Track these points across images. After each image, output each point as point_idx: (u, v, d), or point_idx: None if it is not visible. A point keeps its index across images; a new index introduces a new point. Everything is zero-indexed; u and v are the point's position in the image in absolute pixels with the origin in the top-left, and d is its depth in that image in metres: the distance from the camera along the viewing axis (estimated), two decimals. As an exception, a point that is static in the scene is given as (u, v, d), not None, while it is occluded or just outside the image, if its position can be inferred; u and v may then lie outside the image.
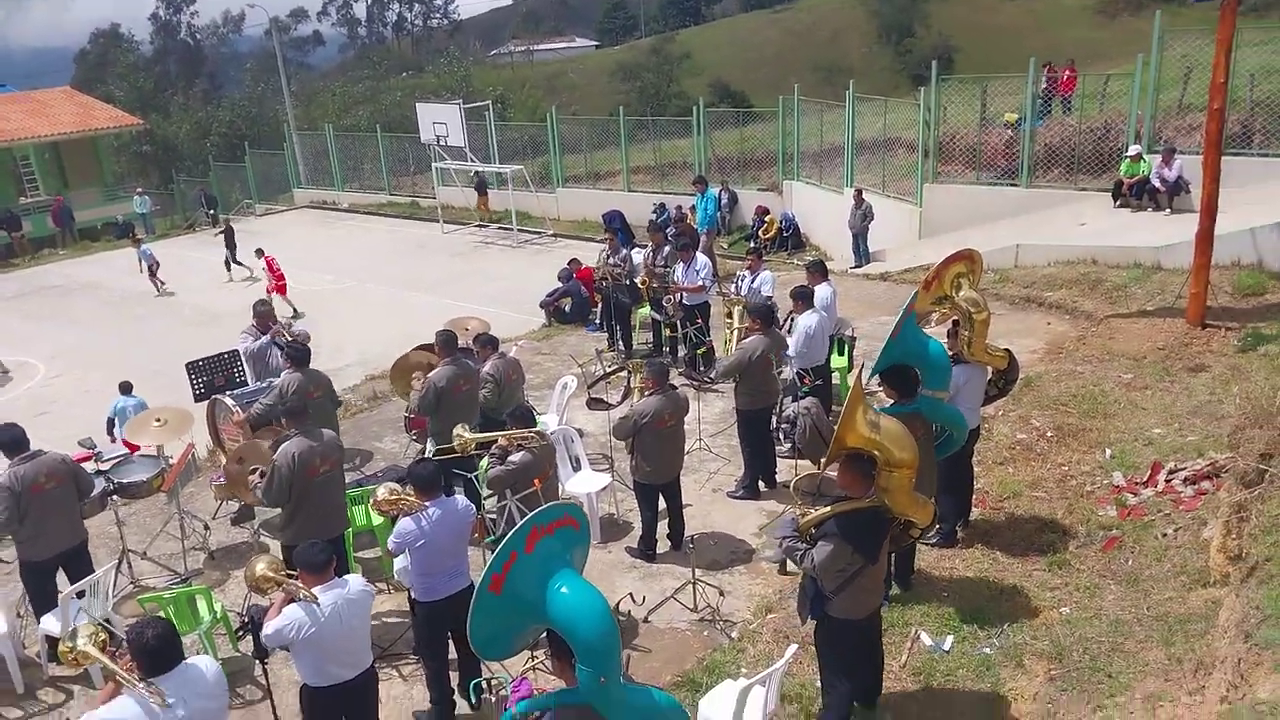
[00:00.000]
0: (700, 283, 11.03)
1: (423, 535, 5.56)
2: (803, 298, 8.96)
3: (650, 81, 55.95)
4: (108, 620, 6.48)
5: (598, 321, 13.51)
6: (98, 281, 19.99)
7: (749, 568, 7.44)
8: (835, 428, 5.05)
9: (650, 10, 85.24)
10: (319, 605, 4.77)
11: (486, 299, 15.79)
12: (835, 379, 9.91)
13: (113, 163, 35.60)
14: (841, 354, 10.21)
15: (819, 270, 9.75)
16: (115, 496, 7.81)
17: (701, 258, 11.36)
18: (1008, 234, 14.48)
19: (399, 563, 6.18)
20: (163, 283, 18.72)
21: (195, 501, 8.89)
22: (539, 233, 21.43)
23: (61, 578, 6.72)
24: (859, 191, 16.06)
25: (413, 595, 5.85)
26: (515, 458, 6.40)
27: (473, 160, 22.17)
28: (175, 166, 38.89)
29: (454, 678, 6.02)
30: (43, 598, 6.66)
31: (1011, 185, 15.80)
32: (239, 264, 19.27)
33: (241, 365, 9.72)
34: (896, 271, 14.98)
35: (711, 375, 10.20)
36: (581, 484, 8.03)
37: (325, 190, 28.85)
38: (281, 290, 16.54)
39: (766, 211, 18.98)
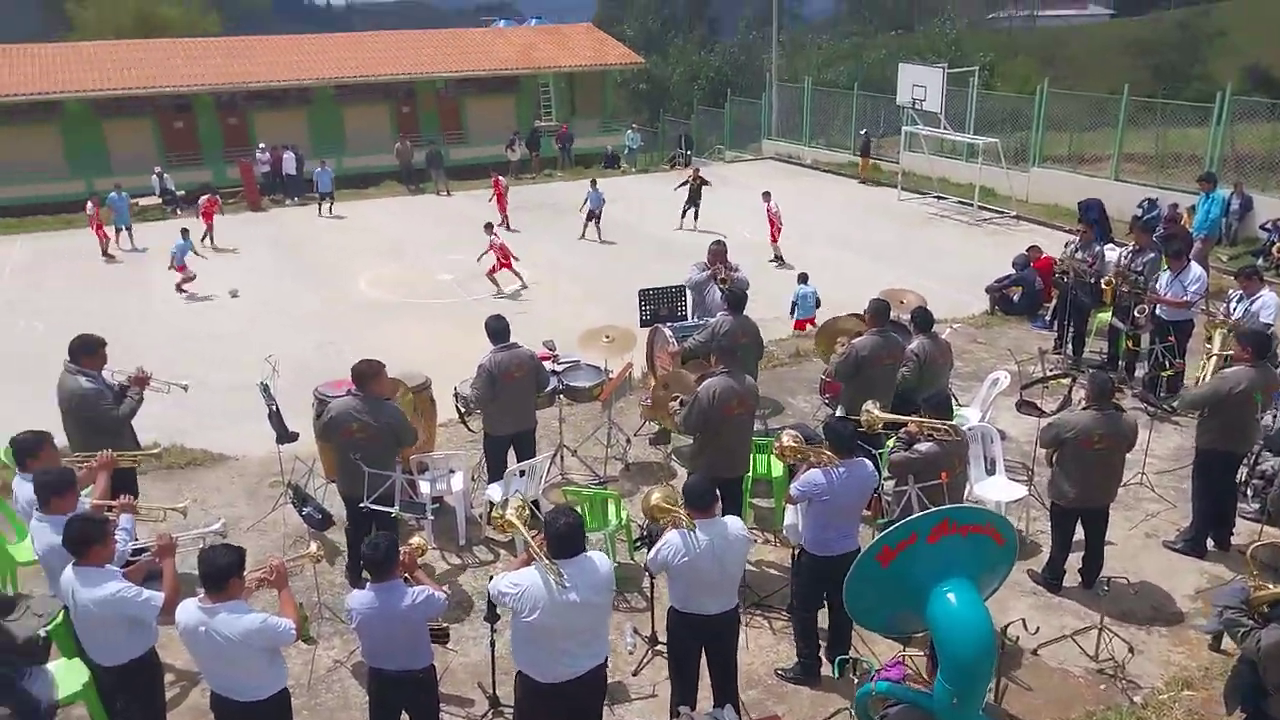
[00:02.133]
0: (1187, 297, 9.61)
1: (828, 491, 5.61)
2: (1303, 334, 7.45)
3: (1169, 59, 49.31)
4: (536, 501, 7.42)
5: (1048, 318, 12.43)
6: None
7: (1172, 631, 6.49)
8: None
9: (1185, -21, 74.80)
10: (697, 537, 5.00)
11: (929, 274, 15.23)
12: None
13: (613, 97, 39.59)
14: (1357, 412, 8.37)
15: (1345, 306, 8.03)
16: (562, 396, 8.85)
17: (1195, 268, 9.82)
18: None
19: (789, 518, 6.29)
20: (594, 228, 19.13)
21: (623, 416, 9.74)
22: (1001, 212, 20.11)
23: (510, 457, 7.77)
24: None
25: (802, 546, 5.93)
26: (922, 447, 6.14)
27: (945, 128, 21.31)
28: (663, 106, 42.21)
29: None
30: (494, 468, 7.79)
31: None
32: (694, 220, 19.36)
33: (684, 300, 10.39)
34: None
35: (1174, 404, 8.95)
36: (992, 490, 7.51)
37: (792, 144, 29.53)
38: (774, 237, 17.01)
39: (1288, 226, 15.99)
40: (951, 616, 3.52)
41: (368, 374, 6.59)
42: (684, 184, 20.04)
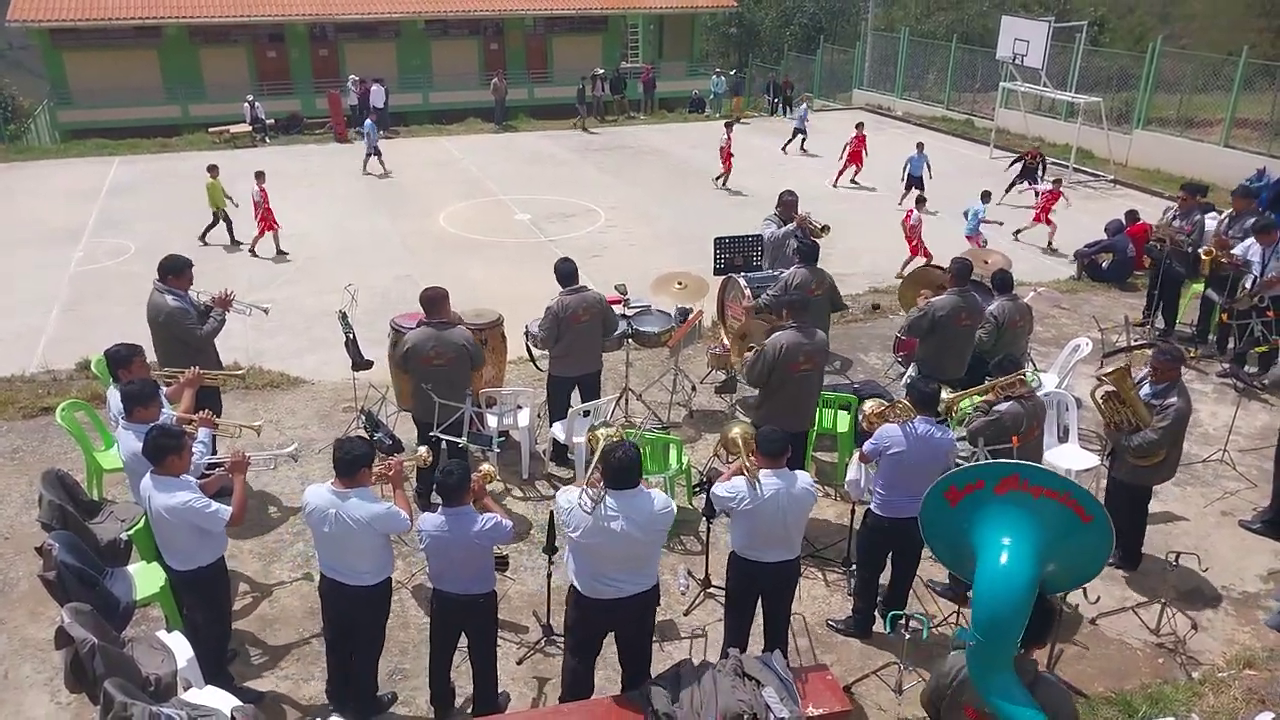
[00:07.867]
0: (1289, 272, 9.16)
1: (902, 443, 5.54)
2: None
3: (1294, 20, 46.39)
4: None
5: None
6: (665, 149, 22.27)
7: (1239, 610, 6.32)
8: None
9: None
10: (762, 486, 5.01)
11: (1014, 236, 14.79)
12: None
13: (702, 40, 38.93)
14: None
15: None
16: (631, 340, 8.87)
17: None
18: None
19: (851, 473, 6.22)
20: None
21: (690, 363, 9.75)
22: (1097, 175, 19.32)
23: (575, 397, 7.85)
24: None
25: (868, 508, 5.90)
26: (1002, 407, 6.02)
27: (1045, 85, 20.45)
28: (753, 51, 41.33)
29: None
30: (558, 408, 7.89)
31: None
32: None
33: (761, 250, 10.26)
34: None
35: (1264, 381, 8.59)
36: (1063, 457, 7.33)
37: (884, 95, 28.72)
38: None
39: None
40: (991, 567, 3.54)
41: (436, 299, 6.80)
42: (1018, 160, 17.33)
